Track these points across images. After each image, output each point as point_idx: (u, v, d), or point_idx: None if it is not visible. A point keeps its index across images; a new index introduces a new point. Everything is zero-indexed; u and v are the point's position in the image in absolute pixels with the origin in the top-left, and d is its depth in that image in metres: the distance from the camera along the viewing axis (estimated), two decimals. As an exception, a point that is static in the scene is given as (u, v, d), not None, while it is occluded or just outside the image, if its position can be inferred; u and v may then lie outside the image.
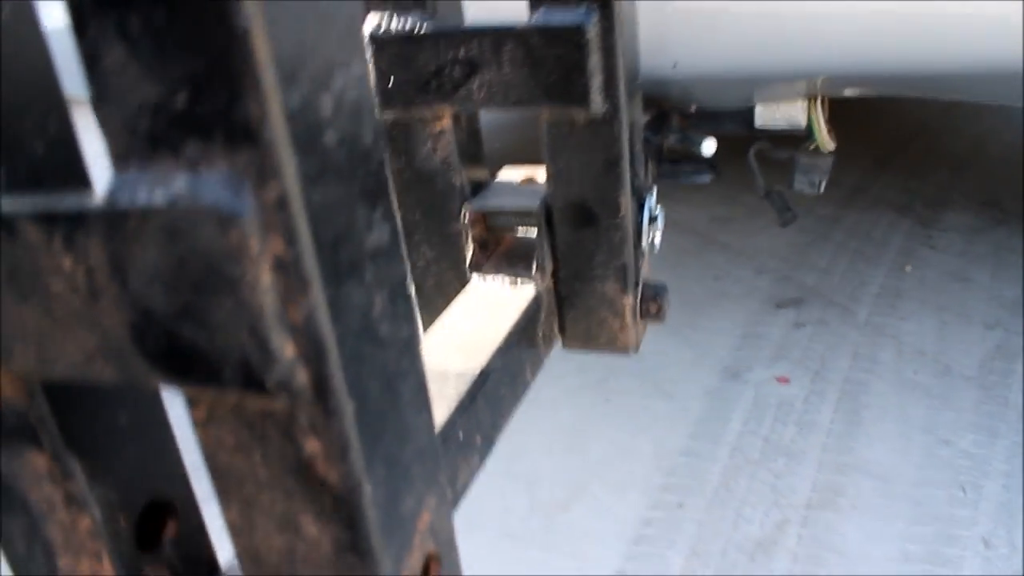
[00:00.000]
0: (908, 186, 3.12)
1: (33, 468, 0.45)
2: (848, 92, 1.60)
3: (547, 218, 0.84)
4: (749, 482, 1.80)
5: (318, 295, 0.30)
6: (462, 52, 0.75)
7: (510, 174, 0.93)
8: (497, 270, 0.86)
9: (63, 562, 0.49)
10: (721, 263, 2.69)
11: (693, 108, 1.75)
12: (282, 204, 0.28)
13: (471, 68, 0.75)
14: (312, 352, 0.30)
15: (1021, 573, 1.54)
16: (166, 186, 0.28)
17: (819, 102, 1.65)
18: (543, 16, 0.73)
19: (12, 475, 0.46)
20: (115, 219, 0.29)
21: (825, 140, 1.69)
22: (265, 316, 0.29)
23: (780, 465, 1.84)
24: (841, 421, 1.96)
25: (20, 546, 0.49)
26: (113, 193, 0.29)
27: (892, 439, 1.89)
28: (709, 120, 1.76)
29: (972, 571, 1.56)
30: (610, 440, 1.94)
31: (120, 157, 0.29)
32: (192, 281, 0.29)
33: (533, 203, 0.84)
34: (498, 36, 0.73)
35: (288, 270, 0.28)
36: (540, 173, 0.90)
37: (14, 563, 0.50)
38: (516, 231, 0.92)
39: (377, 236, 0.33)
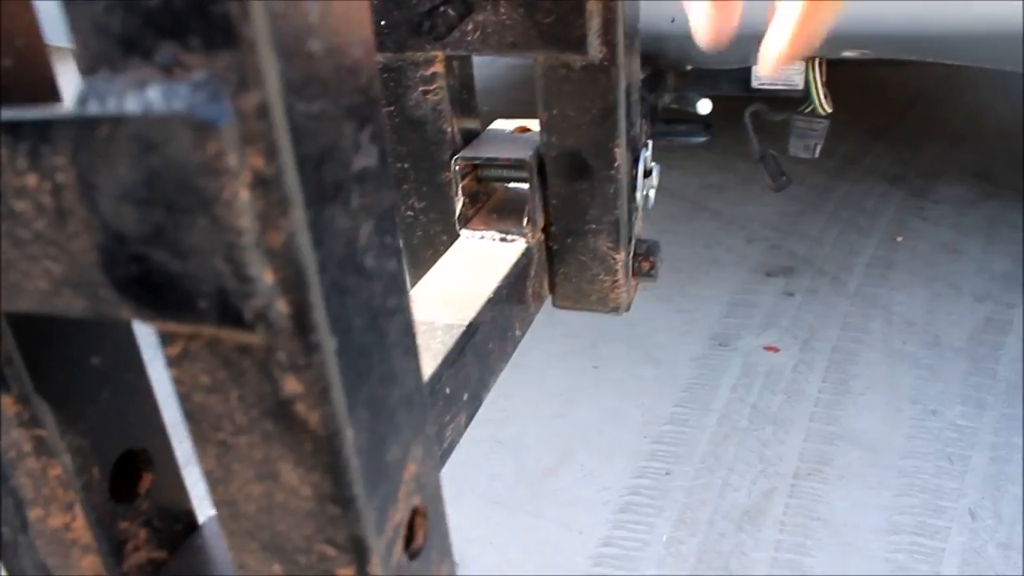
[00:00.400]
0: (902, 157, 3.10)
1: (0, 411, 0.43)
2: (847, 54, 1.58)
3: (539, 169, 0.81)
4: (737, 450, 1.79)
5: (299, 217, 0.27)
6: (456, -8, 0.72)
7: (503, 125, 0.90)
8: (487, 224, 0.84)
9: (33, 514, 0.47)
10: (712, 230, 2.67)
11: (689, 67, 1.72)
12: (263, 113, 0.26)
13: (465, 9, 0.72)
14: (292, 279, 0.28)
15: (1006, 544, 1.54)
16: (138, 93, 0.26)
17: (817, 64, 1.62)
18: (540, -44, 0.70)
19: (-23, 419, 0.43)
20: (84, 129, 0.26)
21: (822, 103, 1.67)
22: (242, 238, 0.27)
23: (768, 433, 1.83)
24: (829, 390, 1.95)
25: (-11, 497, 0.47)
26: (82, 101, 0.26)
27: (880, 409, 1.89)
28: (705, 80, 1.73)
29: (958, 542, 1.56)
30: (598, 407, 1.93)
31: (90, 63, 0.27)
32: (165, 199, 0.27)
33: (525, 153, 0.81)
34: (494, -24, 0.71)
35: (268, 188, 0.26)
36: (534, 124, 0.88)
37: (-17, 514, 0.48)
38: (507, 184, 0.89)
39: (365, 158, 0.31)
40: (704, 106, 1.59)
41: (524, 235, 0.82)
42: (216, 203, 0.26)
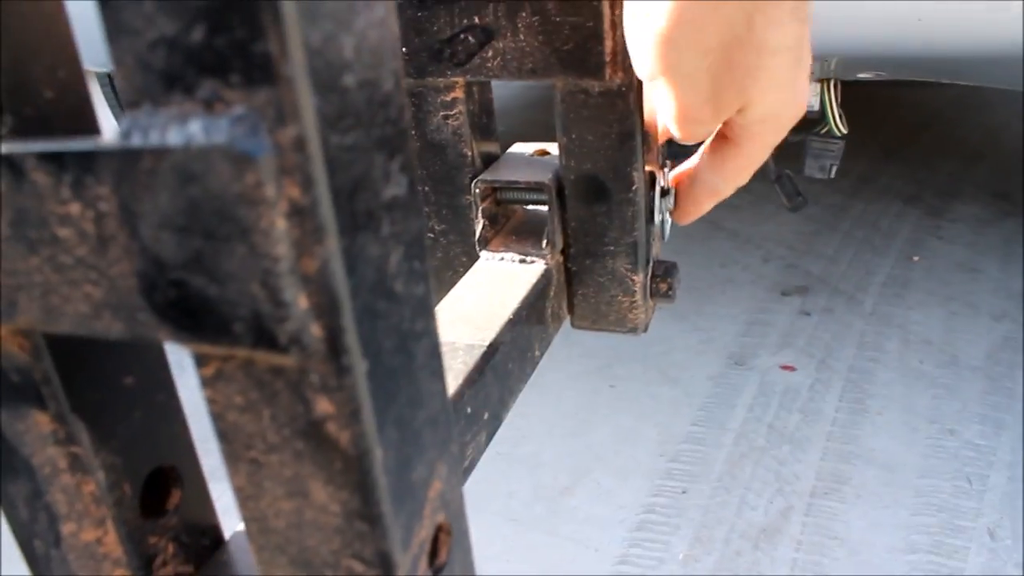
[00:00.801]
0: (917, 176, 3.10)
1: (37, 430, 0.44)
2: (862, 76, 1.59)
3: (558, 192, 0.83)
4: (753, 469, 1.79)
5: (333, 245, 0.28)
6: (477, 19, 0.74)
7: (522, 148, 0.91)
8: (506, 246, 0.85)
9: (66, 528, 0.49)
10: (728, 250, 2.67)
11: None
12: (299, 146, 0.27)
13: (486, 37, 0.73)
14: (326, 305, 0.29)
15: (1026, 564, 1.53)
16: (180, 126, 0.27)
17: (832, 85, 1.63)
18: (560, -17, 0.71)
19: (15, 437, 0.45)
20: (126, 160, 0.28)
21: (837, 124, 1.68)
22: (278, 265, 0.28)
23: (784, 452, 1.83)
24: (846, 410, 1.95)
25: (23, 512, 0.48)
26: (125, 134, 0.28)
27: (897, 428, 1.89)
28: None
29: (977, 562, 1.55)
30: (614, 425, 1.93)
31: (133, 97, 0.28)
32: (204, 227, 0.28)
33: (544, 176, 0.82)
34: (514, 2, 0.72)
35: (303, 217, 0.27)
36: (552, 147, 0.89)
37: (17, 529, 0.49)
38: (526, 207, 0.90)
39: (395, 187, 0.32)
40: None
41: (543, 256, 0.83)
42: (253, 231, 0.27)
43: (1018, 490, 1.70)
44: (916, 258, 2.57)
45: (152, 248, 0.29)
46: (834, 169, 1.77)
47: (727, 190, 0.72)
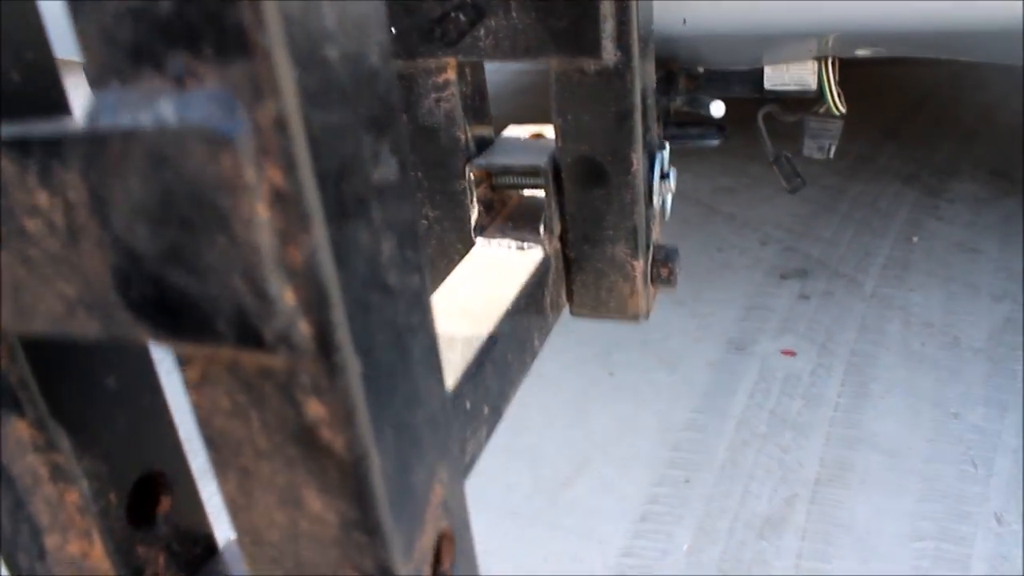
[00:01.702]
0: (914, 156, 3.08)
1: (15, 437, 0.42)
2: (860, 53, 1.56)
3: (555, 176, 0.80)
4: (756, 457, 1.77)
5: (320, 233, 0.26)
6: (468, -2, 0.71)
7: (516, 131, 0.89)
8: (503, 233, 0.83)
9: (50, 541, 0.46)
10: (725, 234, 2.65)
11: (701, 69, 1.71)
12: (280, 125, 0.24)
13: (477, 14, 0.71)
14: (314, 299, 0.27)
15: (1034, 546, 1.52)
16: (150, 106, 0.25)
17: (830, 63, 1.61)
18: (554, -40, 0.69)
19: (-10, 445, 0.42)
20: (95, 145, 0.25)
21: (836, 103, 1.65)
22: (261, 257, 0.25)
23: (787, 439, 1.81)
24: (848, 394, 1.93)
25: (5, 523, 0.46)
26: (92, 116, 0.25)
27: (900, 413, 1.87)
28: (717, 82, 1.71)
29: (984, 548, 1.53)
30: (614, 415, 1.91)
31: (99, 75, 0.26)
32: (180, 216, 0.26)
33: (540, 160, 0.80)
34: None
35: (287, 203, 0.25)
36: (548, 130, 0.87)
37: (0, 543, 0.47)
38: (522, 192, 0.88)
39: (385, 170, 0.29)
40: (717, 108, 1.57)
41: (541, 243, 0.81)
42: (233, 219, 0.25)
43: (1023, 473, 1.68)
44: (915, 239, 2.55)
45: (126, 239, 0.26)
46: (832, 149, 1.75)
47: None
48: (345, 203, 0.27)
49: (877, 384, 1.96)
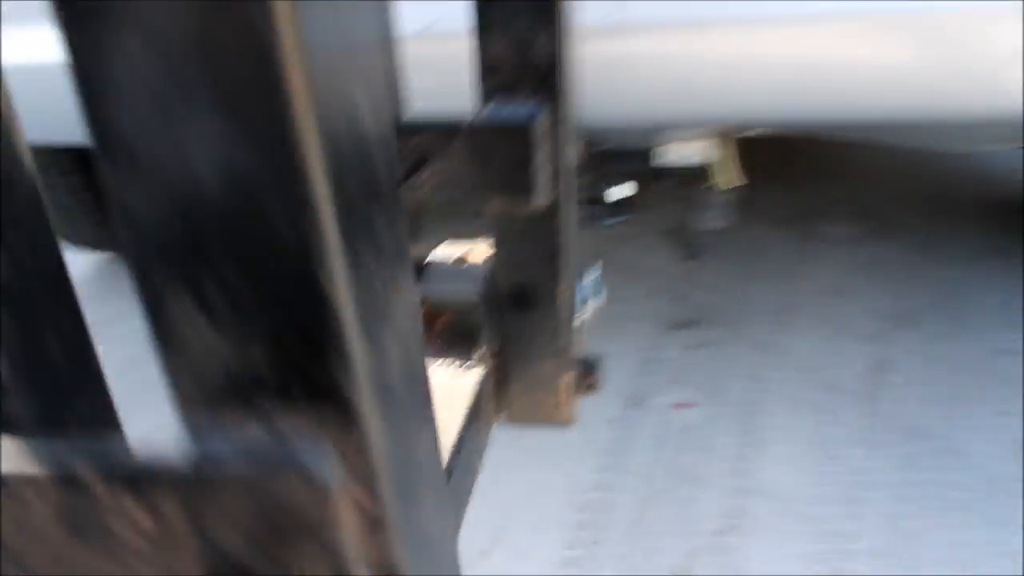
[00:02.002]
0: (787, 199, 3.26)
1: None
2: (747, 133, 1.67)
3: (490, 301, 0.86)
4: (659, 511, 1.85)
5: (394, 529, 0.30)
6: (413, 143, 0.76)
7: (447, 251, 0.94)
8: (440, 352, 0.87)
9: None
10: (615, 285, 2.74)
11: (594, 150, 1.79)
12: (364, 456, 0.29)
13: (422, 159, 0.76)
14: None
15: (914, 584, 1.64)
16: (246, 448, 0.29)
17: (723, 142, 1.71)
18: (493, 111, 0.74)
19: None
20: (199, 484, 0.29)
21: (730, 177, 1.75)
22: (347, 558, 0.30)
23: (685, 492, 1.90)
24: (739, 444, 2.04)
25: None
26: (193, 458, 0.29)
27: (786, 458, 1.98)
28: (609, 160, 1.80)
29: (869, 585, 1.65)
30: (525, 480, 1.97)
31: (190, 411, 0.29)
32: (273, 529, 0.29)
33: (474, 289, 0.85)
34: (449, 131, 0.75)
35: (376, 526, 0.29)
36: (474, 251, 0.92)
37: None
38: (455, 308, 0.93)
39: (432, 461, 0.34)
40: (615, 194, 1.64)
41: (479, 363, 0.86)
42: (323, 534, 0.29)
43: (897, 510, 1.81)
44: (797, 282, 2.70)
45: (220, 551, 0.30)
46: (729, 218, 1.83)
47: None
48: (408, 497, 0.32)
49: (765, 432, 2.07)
